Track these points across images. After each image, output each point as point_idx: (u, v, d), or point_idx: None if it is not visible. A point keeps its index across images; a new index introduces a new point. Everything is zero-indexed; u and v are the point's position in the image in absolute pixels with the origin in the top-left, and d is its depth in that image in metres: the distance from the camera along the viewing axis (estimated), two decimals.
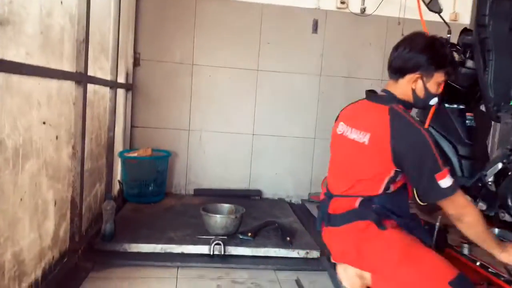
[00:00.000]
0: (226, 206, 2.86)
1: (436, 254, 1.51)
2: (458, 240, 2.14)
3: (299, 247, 2.53)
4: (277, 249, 2.51)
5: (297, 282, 2.24)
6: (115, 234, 2.49)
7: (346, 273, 1.62)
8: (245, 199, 3.58)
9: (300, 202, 3.84)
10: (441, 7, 2.52)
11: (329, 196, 1.66)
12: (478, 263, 1.99)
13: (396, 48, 1.61)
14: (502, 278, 1.84)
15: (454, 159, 2.50)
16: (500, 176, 1.98)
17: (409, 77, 1.57)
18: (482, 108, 2.68)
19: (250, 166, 3.86)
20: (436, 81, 1.58)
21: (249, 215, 2.98)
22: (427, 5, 2.51)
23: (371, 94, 1.67)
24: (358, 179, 1.56)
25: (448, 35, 2.50)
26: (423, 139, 1.44)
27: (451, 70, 1.63)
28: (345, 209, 1.57)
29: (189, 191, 3.80)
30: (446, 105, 2.54)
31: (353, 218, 1.54)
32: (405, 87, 1.59)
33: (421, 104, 1.64)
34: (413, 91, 1.59)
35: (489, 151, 2.82)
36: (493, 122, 2.73)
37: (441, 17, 2.56)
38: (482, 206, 2.05)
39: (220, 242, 2.45)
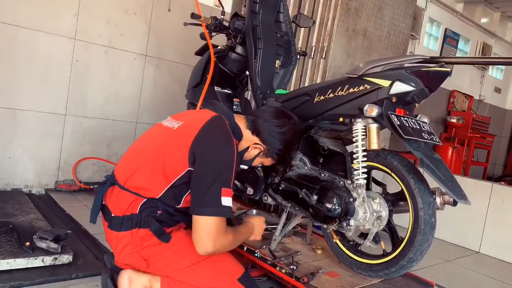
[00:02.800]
0: None
1: (224, 253, 1.49)
2: None
3: (44, 252, 2.00)
4: (11, 260, 1.90)
5: None
6: None
7: (131, 283, 1.42)
8: None
9: (44, 193, 3.17)
10: (313, 21, 2.64)
11: (111, 181, 1.44)
12: (245, 248, 2.04)
13: (274, 115, 1.63)
14: (268, 262, 1.93)
15: None
16: None
17: (256, 140, 1.61)
18: (246, 95, 2.83)
19: None
20: (263, 162, 1.68)
21: None
22: (298, 24, 2.56)
23: (211, 104, 1.67)
24: (143, 166, 1.39)
25: (222, 16, 2.48)
26: (231, 151, 1.39)
27: (279, 167, 1.88)
28: (123, 211, 1.37)
29: None
30: (216, 88, 2.52)
31: (132, 225, 1.37)
32: (245, 139, 1.61)
33: (238, 158, 1.57)
34: (246, 148, 1.62)
35: None
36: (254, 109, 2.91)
37: (220, 3, 2.53)
38: (250, 190, 2.11)
39: None
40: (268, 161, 1.69)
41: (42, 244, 2.00)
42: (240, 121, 1.63)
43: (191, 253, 1.41)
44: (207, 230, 1.32)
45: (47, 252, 2.00)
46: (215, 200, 1.31)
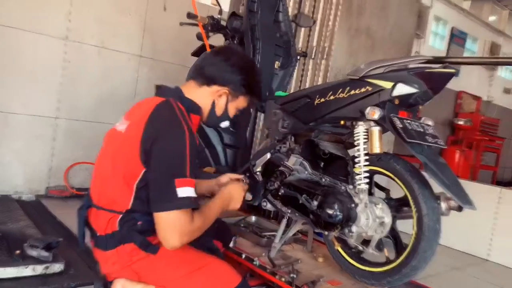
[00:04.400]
0: None
1: (220, 261, 1.50)
2: None
3: (34, 261, 2.01)
4: (1, 269, 1.91)
5: None
6: None
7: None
8: None
9: (35, 199, 3.18)
10: (313, 20, 2.71)
11: (87, 204, 1.48)
12: (243, 256, 2.05)
13: (215, 54, 1.59)
14: (267, 270, 1.95)
15: (219, 148, 2.55)
16: (267, 166, 2.08)
17: (216, 88, 1.54)
18: None
19: None
20: (237, 105, 1.62)
21: None
22: (298, 24, 2.59)
23: (158, 88, 1.58)
24: (106, 180, 1.43)
25: (219, 15, 2.50)
26: (180, 138, 1.35)
27: (255, 100, 1.71)
28: (105, 229, 1.41)
29: None
30: None
31: (116, 243, 1.39)
32: (206, 97, 1.55)
33: (213, 121, 1.62)
34: (213, 104, 1.56)
35: (255, 141, 3.02)
36: (252, 112, 2.93)
37: (218, 2, 2.56)
38: (249, 196, 2.12)
39: None
40: (242, 102, 1.62)
41: (33, 253, 2.01)
42: (191, 86, 1.56)
43: (184, 262, 1.42)
44: (170, 226, 1.31)
45: (38, 261, 2.01)
46: (170, 194, 1.30)
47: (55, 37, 3.22)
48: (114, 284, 1.46)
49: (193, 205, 1.33)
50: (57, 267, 2.04)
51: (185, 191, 1.30)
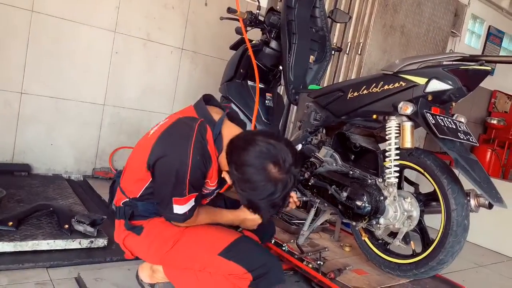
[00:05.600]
0: None
1: (213, 228, 1.50)
2: None
3: (81, 235, 2.10)
4: (51, 241, 2.01)
5: (78, 280, 1.84)
6: None
7: (141, 265, 1.60)
8: (7, 175, 2.83)
9: (82, 179, 3.30)
10: (349, 16, 2.68)
11: (118, 182, 1.59)
12: (273, 241, 2.06)
13: (255, 155, 1.25)
14: (295, 256, 1.94)
15: None
16: None
17: (226, 167, 1.36)
18: (278, 89, 2.83)
19: (15, 134, 3.06)
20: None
21: (12, 198, 2.34)
22: (334, 20, 2.58)
23: (205, 99, 1.52)
24: (129, 172, 1.53)
25: (257, 11, 2.49)
26: (182, 160, 1.33)
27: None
28: (116, 203, 1.57)
29: None
30: (250, 83, 2.55)
31: (117, 215, 1.54)
32: (224, 161, 1.37)
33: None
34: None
35: (287, 133, 3.01)
36: (286, 104, 2.92)
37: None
38: None
39: None
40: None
41: (80, 228, 2.10)
42: (233, 133, 1.39)
43: (166, 239, 1.45)
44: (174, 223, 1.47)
45: (84, 235, 2.09)
46: (169, 208, 1.40)
47: (105, 29, 3.30)
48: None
49: (188, 218, 1.42)
50: (101, 242, 2.12)
51: (181, 208, 1.39)
